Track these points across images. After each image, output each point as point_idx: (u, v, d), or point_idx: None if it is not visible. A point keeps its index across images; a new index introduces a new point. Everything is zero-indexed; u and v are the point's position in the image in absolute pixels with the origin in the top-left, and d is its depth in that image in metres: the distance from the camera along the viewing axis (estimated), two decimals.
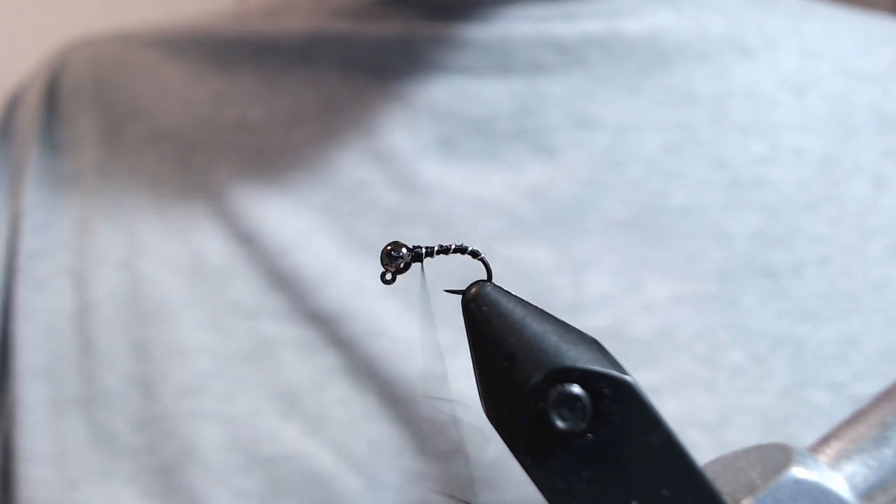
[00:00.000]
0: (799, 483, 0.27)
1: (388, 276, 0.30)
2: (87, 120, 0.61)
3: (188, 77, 0.61)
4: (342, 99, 0.57)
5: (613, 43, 0.56)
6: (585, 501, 0.26)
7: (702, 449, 0.47)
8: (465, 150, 0.55)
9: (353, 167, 0.56)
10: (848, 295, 0.51)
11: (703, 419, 0.49)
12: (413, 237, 0.52)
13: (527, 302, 0.28)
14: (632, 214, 0.53)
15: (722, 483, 0.28)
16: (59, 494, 0.52)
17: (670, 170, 0.54)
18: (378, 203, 0.55)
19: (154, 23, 0.67)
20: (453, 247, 0.30)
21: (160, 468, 0.51)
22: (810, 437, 0.33)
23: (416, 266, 0.30)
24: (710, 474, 0.26)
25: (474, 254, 0.30)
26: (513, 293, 0.28)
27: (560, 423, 0.26)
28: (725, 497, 0.26)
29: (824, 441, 0.30)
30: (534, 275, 0.52)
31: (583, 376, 0.26)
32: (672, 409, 0.49)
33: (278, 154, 0.57)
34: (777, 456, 0.28)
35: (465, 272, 0.30)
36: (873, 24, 0.61)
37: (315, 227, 0.55)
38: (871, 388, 0.49)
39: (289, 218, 0.55)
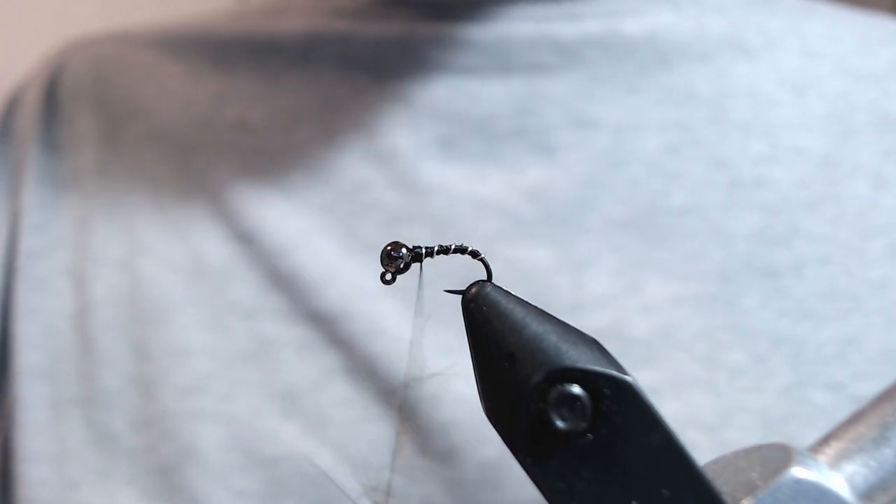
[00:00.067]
0: (799, 483, 0.27)
1: (388, 277, 0.30)
2: (86, 120, 0.61)
3: (188, 77, 0.61)
4: (342, 99, 0.57)
5: (613, 43, 0.56)
6: (585, 501, 0.26)
7: (702, 449, 0.47)
8: (465, 151, 0.55)
9: (353, 167, 0.56)
10: (848, 295, 0.51)
11: (703, 419, 0.49)
12: (413, 237, 0.52)
13: (527, 302, 0.28)
14: (632, 214, 0.53)
15: (722, 483, 0.28)
16: (59, 494, 0.52)
17: (670, 170, 0.54)
18: (378, 203, 0.55)
19: (153, 23, 0.67)
20: (453, 247, 0.30)
21: (160, 468, 0.51)
22: (810, 437, 0.33)
23: (416, 266, 0.30)
24: (710, 474, 0.26)
25: (474, 254, 0.30)
26: (513, 293, 0.28)
27: (560, 423, 0.26)
28: (725, 497, 0.26)
29: (824, 441, 0.30)
30: (534, 275, 0.52)
31: (583, 376, 0.26)
32: (672, 409, 0.49)
33: (278, 154, 0.57)
34: (777, 456, 0.28)
35: (465, 272, 0.30)
36: (873, 24, 0.61)
37: (315, 227, 0.54)
38: (872, 387, 0.49)
39: (289, 218, 0.55)
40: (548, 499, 0.26)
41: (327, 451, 0.50)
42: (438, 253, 0.30)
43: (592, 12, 0.56)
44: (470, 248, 0.30)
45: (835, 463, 0.29)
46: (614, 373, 0.26)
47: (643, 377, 0.47)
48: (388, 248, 0.30)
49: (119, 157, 0.59)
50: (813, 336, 0.51)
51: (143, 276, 0.55)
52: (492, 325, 0.27)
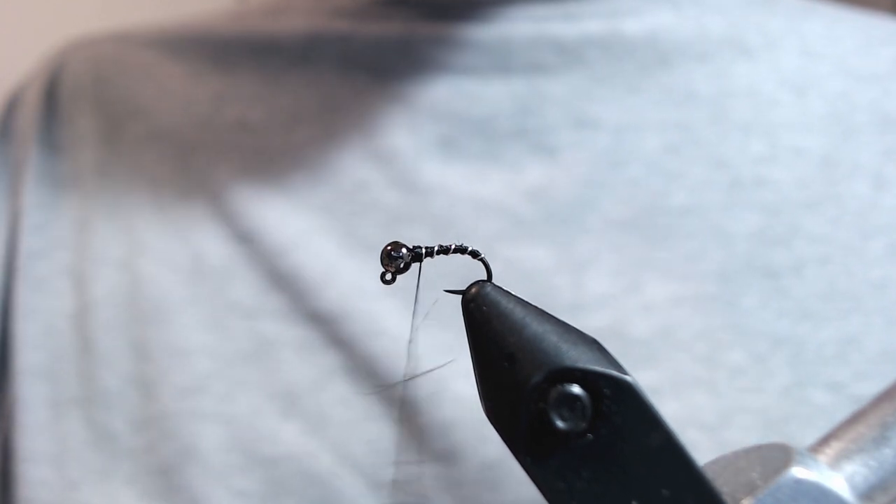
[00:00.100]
0: (799, 483, 0.27)
1: (388, 277, 0.30)
2: (86, 120, 0.61)
3: (188, 77, 0.61)
4: (342, 99, 0.57)
5: (613, 43, 0.56)
6: (585, 501, 0.26)
7: (702, 449, 0.47)
8: (465, 151, 0.55)
9: (353, 167, 0.56)
10: (848, 295, 0.51)
11: (703, 419, 0.49)
12: (413, 237, 0.52)
13: (527, 302, 0.28)
14: (632, 214, 0.53)
15: (722, 483, 0.28)
16: (59, 494, 0.52)
17: (670, 170, 0.54)
18: (378, 203, 0.54)
19: (153, 23, 0.67)
20: (453, 247, 0.30)
21: (160, 468, 0.51)
22: (810, 437, 0.33)
23: (416, 266, 0.30)
24: (710, 474, 0.26)
25: (474, 254, 0.30)
26: (513, 293, 0.28)
27: (560, 423, 0.26)
28: (725, 497, 0.26)
29: (824, 441, 0.30)
30: (534, 275, 0.52)
31: (583, 376, 0.26)
32: (672, 409, 0.49)
33: (278, 154, 0.57)
34: (777, 456, 0.28)
35: (465, 272, 0.30)
36: (873, 24, 0.61)
37: (315, 227, 0.54)
38: (872, 387, 0.49)
39: (289, 218, 0.55)
40: (548, 499, 0.26)
41: (327, 451, 0.50)
42: (438, 253, 0.30)
43: (593, 12, 0.56)
44: (470, 248, 0.30)
45: (835, 463, 0.29)
46: (614, 373, 0.26)
47: (643, 377, 0.47)
48: (388, 248, 0.30)
49: (119, 157, 0.59)
50: (813, 336, 0.51)
51: (143, 276, 0.55)
52: (492, 325, 0.27)
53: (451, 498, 0.49)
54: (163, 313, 0.54)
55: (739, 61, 0.57)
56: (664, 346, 0.50)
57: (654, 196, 0.53)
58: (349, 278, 0.53)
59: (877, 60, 0.58)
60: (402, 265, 0.30)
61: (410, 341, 0.32)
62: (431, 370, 0.33)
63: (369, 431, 0.50)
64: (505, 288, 0.28)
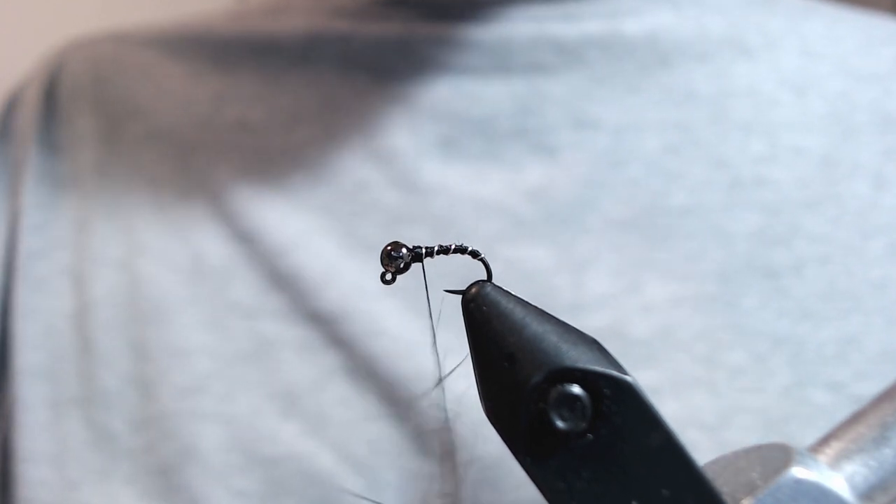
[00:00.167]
0: (799, 483, 0.27)
1: (388, 277, 0.30)
2: (85, 120, 0.61)
3: (187, 77, 0.61)
4: (342, 99, 0.57)
5: (613, 43, 0.56)
6: (585, 501, 0.26)
7: (702, 449, 0.47)
8: (465, 151, 0.55)
9: (353, 167, 0.56)
10: (848, 294, 0.51)
11: (703, 419, 0.49)
12: (413, 237, 0.52)
13: (527, 302, 0.28)
14: (632, 214, 0.53)
15: (722, 483, 0.28)
16: (59, 495, 0.52)
17: (670, 170, 0.54)
18: (378, 203, 0.54)
19: (153, 22, 0.67)
20: (453, 247, 0.30)
21: (159, 468, 0.51)
22: (810, 437, 0.33)
23: (416, 266, 0.30)
24: (710, 474, 0.26)
25: (474, 254, 0.30)
26: (513, 293, 0.28)
27: (560, 423, 0.26)
28: (725, 497, 0.26)
29: (824, 441, 0.30)
30: (534, 275, 0.52)
31: (583, 376, 0.26)
32: (672, 409, 0.49)
33: (278, 154, 0.57)
34: (777, 456, 0.28)
35: (465, 272, 0.30)
36: (874, 24, 0.61)
37: (315, 227, 0.54)
38: (872, 387, 0.49)
39: (289, 218, 0.55)
40: (548, 499, 0.26)
41: (327, 452, 0.50)
42: (438, 253, 0.30)
43: (593, 13, 0.56)
44: (470, 248, 0.30)
45: (835, 463, 0.29)
46: (614, 373, 0.26)
47: (643, 377, 0.47)
48: (388, 248, 0.30)
49: (118, 157, 0.59)
50: (813, 336, 0.51)
51: (143, 276, 0.55)
52: (492, 325, 0.27)
53: (451, 496, 0.49)
54: (162, 313, 0.54)
55: (739, 61, 0.57)
56: (664, 347, 0.50)
57: (654, 196, 0.53)
58: (349, 278, 0.53)
59: (877, 60, 0.58)
60: (402, 265, 0.30)
61: (433, 344, 0.32)
62: (450, 372, 0.32)
63: (369, 431, 0.50)
64: (505, 288, 0.28)
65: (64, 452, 0.53)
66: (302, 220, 0.55)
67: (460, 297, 0.28)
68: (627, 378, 0.26)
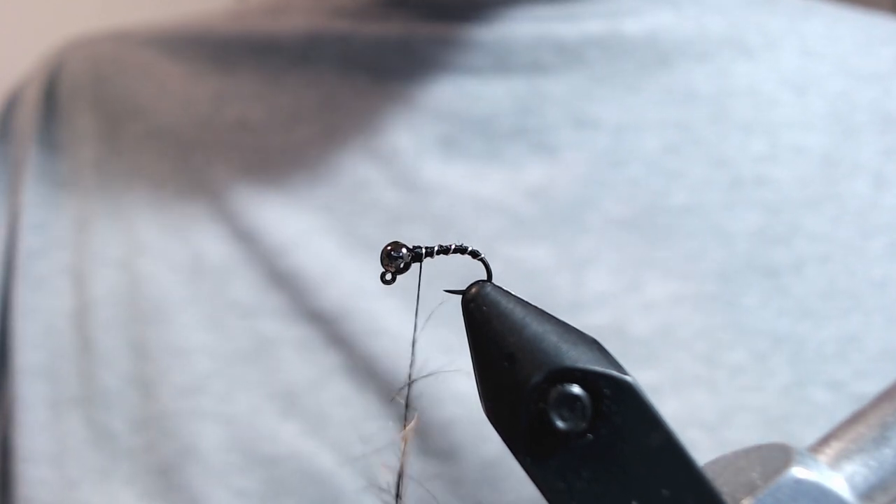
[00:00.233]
0: (799, 483, 0.27)
1: (388, 277, 0.30)
2: (85, 119, 0.61)
3: (187, 76, 0.61)
4: (342, 98, 0.57)
5: (613, 43, 0.55)
6: (585, 501, 0.26)
7: (702, 448, 0.47)
8: (465, 150, 0.55)
9: (353, 167, 0.55)
10: (848, 293, 0.51)
11: (703, 418, 0.49)
12: (413, 236, 0.52)
13: (527, 302, 0.28)
14: (632, 214, 0.53)
15: (722, 483, 0.28)
16: (59, 494, 0.52)
17: (670, 169, 0.54)
18: (378, 202, 0.54)
19: (153, 22, 0.66)
20: (453, 247, 0.30)
21: (159, 468, 0.51)
22: (811, 436, 0.33)
23: (416, 266, 0.30)
24: (710, 474, 0.26)
25: (474, 254, 0.30)
26: (513, 293, 0.28)
27: (560, 423, 0.26)
28: (725, 497, 0.26)
29: (824, 441, 0.29)
30: (534, 274, 0.52)
31: (583, 376, 0.26)
32: (672, 408, 0.49)
33: (278, 153, 0.57)
34: (777, 456, 0.28)
35: (465, 272, 0.30)
36: (874, 24, 0.61)
37: (315, 226, 0.54)
38: (872, 386, 0.49)
39: (289, 217, 0.55)
40: (548, 499, 0.26)
41: (327, 451, 0.50)
42: (438, 253, 0.30)
43: (593, 13, 0.56)
44: (470, 248, 0.30)
45: (835, 463, 0.29)
46: (614, 373, 0.26)
47: (643, 376, 0.47)
48: (388, 248, 0.30)
49: (118, 156, 0.59)
50: (813, 335, 0.51)
51: (143, 276, 0.55)
52: (492, 325, 0.27)
53: (451, 496, 0.49)
54: (162, 312, 0.54)
55: (739, 61, 0.57)
56: (664, 345, 0.50)
57: (654, 195, 0.53)
58: (349, 278, 0.53)
59: (877, 60, 0.58)
60: (402, 265, 0.30)
61: (413, 342, 0.32)
62: (433, 374, 0.32)
63: (369, 430, 0.50)
64: (505, 288, 0.28)
65: (64, 452, 0.53)
66: (302, 219, 0.55)
67: (460, 297, 0.28)
68: (627, 378, 0.26)
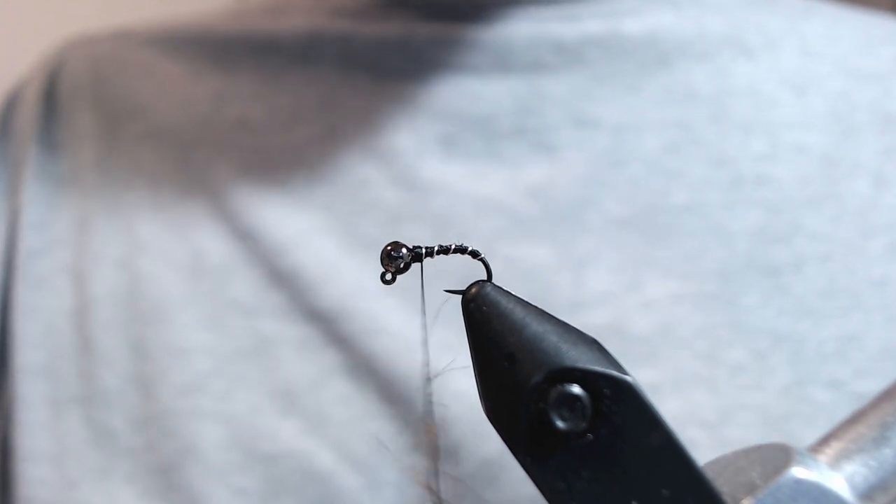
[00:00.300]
0: (799, 483, 0.27)
1: (388, 277, 0.30)
2: (85, 118, 0.61)
3: (187, 76, 0.61)
4: (342, 98, 0.57)
5: (613, 43, 0.55)
6: (585, 501, 0.26)
7: (702, 447, 0.47)
8: (465, 149, 0.55)
9: (353, 166, 0.55)
10: (848, 292, 0.51)
11: (703, 417, 0.49)
12: (414, 236, 0.52)
13: (527, 302, 0.28)
14: (632, 213, 0.53)
15: (722, 483, 0.28)
16: (59, 493, 0.52)
17: (670, 169, 0.54)
18: (378, 202, 0.54)
19: (153, 21, 0.66)
20: (453, 247, 0.30)
21: (159, 467, 0.51)
22: (811, 435, 0.33)
23: (416, 266, 0.30)
24: (710, 474, 0.26)
25: (474, 254, 0.30)
26: (513, 293, 0.28)
27: (560, 423, 0.26)
28: (725, 497, 0.26)
29: (824, 441, 0.30)
30: (534, 273, 0.52)
31: (583, 376, 0.26)
32: (672, 406, 0.49)
33: (278, 153, 0.57)
34: (777, 456, 0.28)
35: (466, 272, 0.30)
36: (874, 24, 0.61)
37: (315, 225, 0.54)
38: (872, 385, 0.49)
39: (289, 216, 0.55)
40: (548, 499, 0.26)
41: (327, 450, 0.50)
42: (438, 253, 0.30)
43: (593, 13, 0.56)
44: (470, 248, 0.30)
45: (835, 463, 0.29)
46: (614, 373, 0.26)
47: (643, 375, 0.48)
48: (388, 248, 0.30)
49: (118, 156, 0.59)
50: (813, 334, 0.51)
51: (143, 275, 0.55)
52: (492, 325, 0.27)
53: (451, 494, 0.49)
54: (162, 312, 0.54)
55: (739, 61, 0.57)
56: (664, 344, 0.50)
57: (654, 195, 0.53)
58: (349, 277, 0.53)
59: (877, 60, 0.58)
60: (402, 265, 0.30)
61: (423, 347, 0.32)
62: (438, 374, 0.32)
63: (369, 429, 0.50)
64: (505, 288, 0.28)
65: (64, 451, 0.53)
66: (302, 218, 0.55)
67: (460, 297, 0.28)
68: (627, 378, 0.26)
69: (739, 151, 0.54)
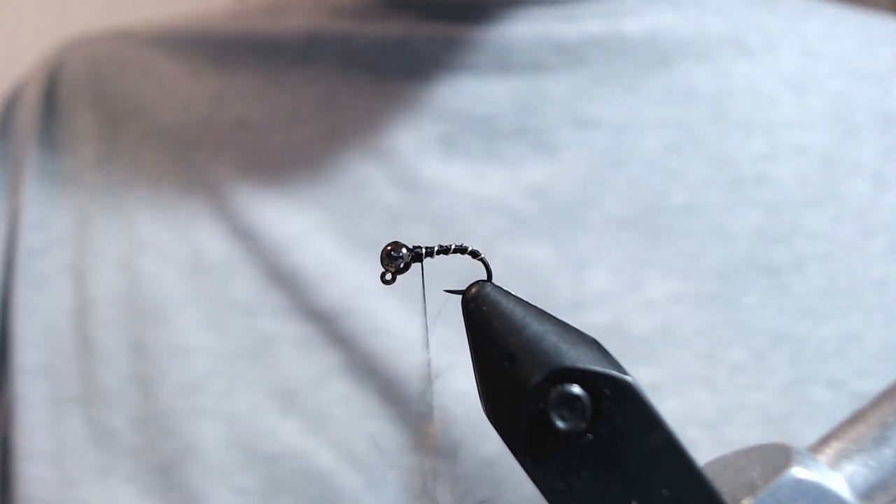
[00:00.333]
0: (799, 483, 0.27)
1: (388, 277, 0.30)
2: (85, 118, 0.61)
3: (187, 75, 0.61)
4: (342, 97, 0.57)
5: (613, 43, 0.55)
6: (585, 501, 0.26)
7: (702, 446, 0.47)
8: (465, 149, 0.55)
9: (353, 166, 0.55)
10: (848, 292, 0.52)
11: (703, 416, 0.49)
12: (414, 235, 0.52)
13: (527, 302, 0.28)
14: (632, 213, 0.53)
15: (722, 483, 0.28)
16: (59, 493, 0.52)
17: (670, 168, 0.54)
18: (378, 201, 0.54)
19: (153, 21, 0.66)
20: (453, 247, 0.30)
21: (160, 466, 0.51)
22: (811, 434, 0.33)
23: (416, 266, 0.30)
24: (710, 474, 0.26)
25: (474, 254, 0.30)
26: (513, 293, 0.28)
27: (560, 423, 0.26)
28: (725, 497, 0.26)
29: (824, 441, 0.30)
30: (534, 272, 0.52)
31: (583, 376, 0.26)
32: (672, 406, 0.49)
33: (278, 152, 0.57)
34: (777, 456, 0.28)
35: (466, 272, 0.30)
36: (873, 24, 0.61)
37: (315, 225, 0.54)
38: (872, 384, 0.49)
39: (289, 216, 0.55)
40: (548, 499, 0.26)
41: (327, 449, 0.50)
42: (438, 253, 0.30)
43: (593, 13, 0.56)
44: (470, 248, 0.30)
45: (835, 463, 0.29)
46: (614, 373, 0.26)
47: (643, 374, 0.48)
48: (388, 248, 0.30)
49: (118, 155, 0.59)
50: (813, 333, 0.51)
51: (143, 274, 0.55)
52: (492, 325, 0.27)
53: (451, 493, 0.49)
54: (162, 311, 0.54)
55: (739, 61, 0.57)
56: (664, 344, 0.50)
57: (654, 194, 0.53)
58: (349, 276, 0.53)
59: (877, 60, 0.58)
60: (402, 265, 0.30)
61: (423, 348, 0.32)
62: (439, 375, 0.32)
63: (369, 429, 0.50)
64: (505, 287, 0.28)
65: (64, 450, 0.53)
66: (302, 218, 0.55)
67: (460, 297, 0.28)
68: (627, 378, 0.26)
69: (739, 151, 0.54)
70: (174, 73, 0.61)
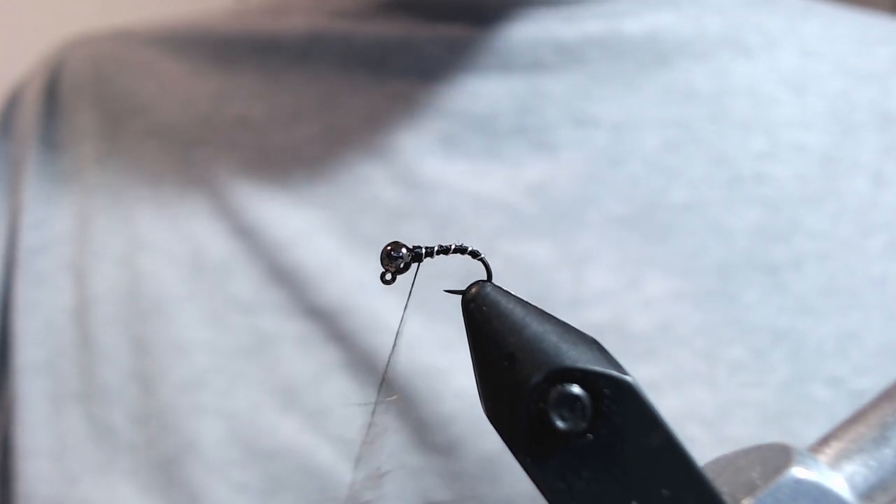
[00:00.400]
0: (799, 483, 0.27)
1: (388, 277, 0.30)
2: (86, 117, 0.61)
3: (188, 75, 0.61)
4: (343, 96, 0.57)
5: (613, 42, 0.56)
6: (585, 501, 0.26)
7: (701, 444, 0.47)
8: (465, 148, 0.55)
9: (353, 165, 0.56)
10: (848, 290, 0.52)
11: (702, 414, 0.49)
12: (414, 234, 0.52)
13: (527, 302, 0.28)
14: (632, 211, 0.53)
15: (722, 483, 0.28)
16: (59, 489, 0.52)
17: (670, 167, 0.54)
18: (379, 200, 0.54)
19: (153, 21, 0.66)
20: (453, 247, 0.30)
21: (160, 463, 0.51)
22: (810, 432, 0.33)
23: (416, 264, 0.30)
24: (710, 474, 0.26)
25: (474, 254, 0.30)
26: (513, 293, 0.28)
27: (560, 423, 0.26)
28: (725, 497, 0.26)
29: (824, 441, 0.30)
30: (534, 270, 0.52)
31: (583, 376, 0.26)
32: (672, 404, 0.49)
33: (279, 151, 0.57)
34: (777, 456, 0.28)
35: (465, 272, 0.30)
36: (872, 24, 0.61)
37: (315, 223, 0.55)
38: (871, 382, 0.49)
39: (289, 214, 0.55)
40: (548, 499, 0.26)
41: (327, 446, 0.50)
42: (438, 253, 0.30)
43: (593, 14, 0.56)
44: (470, 248, 0.30)
45: (835, 463, 0.29)
46: (614, 373, 0.26)
47: (643, 372, 0.48)
48: (388, 248, 0.30)
49: (119, 153, 0.59)
50: (813, 331, 0.51)
51: (143, 272, 0.55)
52: (492, 325, 0.27)
53: (451, 491, 0.49)
54: (163, 308, 0.54)
55: (739, 60, 0.57)
56: (664, 341, 0.50)
57: (653, 193, 0.53)
58: (349, 274, 0.53)
59: (875, 59, 0.58)
60: (401, 265, 0.30)
61: (397, 335, 0.32)
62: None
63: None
64: (505, 286, 0.28)
65: (64, 447, 0.53)
66: (302, 216, 0.55)
67: (460, 297, 0.28)
68: (627, 378, 0.26)
69: (739, 150, 0.54)
70: (175, 72, 0.61)
